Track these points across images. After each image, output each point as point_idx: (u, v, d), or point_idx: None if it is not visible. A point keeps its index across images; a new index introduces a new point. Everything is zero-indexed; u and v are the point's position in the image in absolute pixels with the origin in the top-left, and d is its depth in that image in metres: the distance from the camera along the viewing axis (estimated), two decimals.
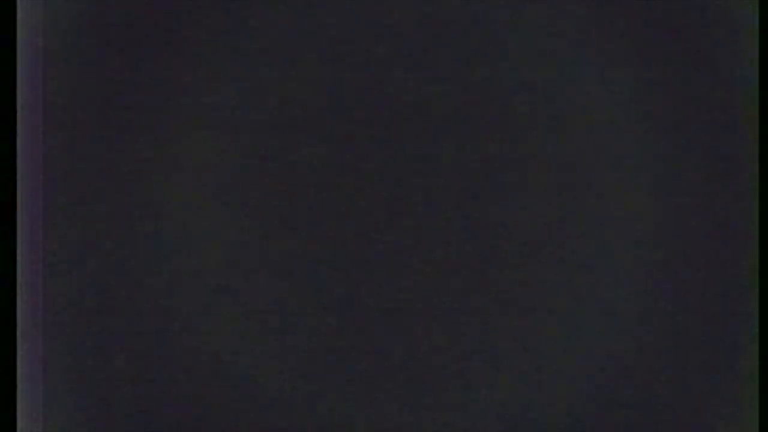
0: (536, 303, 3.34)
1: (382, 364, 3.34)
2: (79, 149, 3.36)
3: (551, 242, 3.35)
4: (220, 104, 3.36)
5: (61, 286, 3.34)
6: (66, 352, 3.34)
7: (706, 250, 3.36)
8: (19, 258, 3.36)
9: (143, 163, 3.36)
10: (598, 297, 3.34)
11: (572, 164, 3.36)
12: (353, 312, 3.34)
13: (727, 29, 3.37)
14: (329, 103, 3.37)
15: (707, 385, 3.34)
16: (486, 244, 3.34)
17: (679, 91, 3.38)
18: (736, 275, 3.35)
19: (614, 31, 3.37)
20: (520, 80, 3.36)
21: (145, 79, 3.36)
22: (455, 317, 3.34)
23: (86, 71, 3.37)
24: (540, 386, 3.34)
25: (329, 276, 3.35)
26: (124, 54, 3.36)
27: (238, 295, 3.34)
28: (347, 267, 3.35)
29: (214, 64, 3.36)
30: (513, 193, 3.35)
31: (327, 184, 3.36)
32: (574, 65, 3.36)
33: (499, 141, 3.35)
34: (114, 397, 3.33)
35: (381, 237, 3.35)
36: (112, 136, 3.36)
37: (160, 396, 3.33)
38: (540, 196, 3.35)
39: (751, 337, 3.34)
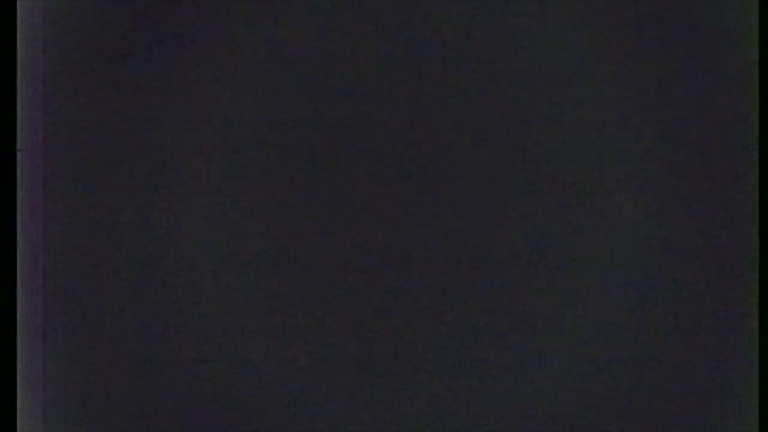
0: (536, 303, 3.34)
1: (382, 364, 3.34)
2: (79, 149, 3.36)
3: (551, 242, 3.35)
4: (220, 104, 3.36)
5: (61, 286, 3.34)
6: (66, 352, 3.34)
7: (706, 250, 3.36)
8: (19, 258, 3.36)
9: (144, 162, 3.36)
10: (598, 297, 3.34)
11: (571, 164, 3.36)
12: (353, 312, 3.34)
13: (727, 29, 3.37)
14: (329, 104, 3.37)
15: (707, 385, 3.34)
16: (486, 245, 3.34)
17: (680, 91, 3.37)
18: (736, 275, 3.35)
19: (614, 31, 3.36)
20: (519, 80, 3.36)
21: (146, 78, 3.36)
22: (456, 317, 3.34)
23: (86, 71, 3.36)
24: (540, 386, 3.34)
25: (331, 276, 3.35)
26: (124, 54, 3.36)
27: (239, 295, 3.34)
28: (348, 267, 3.35)
29: (214, 64, 3.36)
30: (514, 193, 3.35)
31: (327, 185, 3.36)
32: (574, 66, 3.36)
33: (499, 141, 3.35)
34: (114, 397, 3.33)
35: (381, 238, 3.34)
36: (113, 135, 3.36)
37: (161, 396, 3.33)
38: (540, 197, 3.35)
39: (751, 337, 3.34)
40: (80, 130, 3.36)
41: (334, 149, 3.36)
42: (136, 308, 3.34)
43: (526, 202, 3.35)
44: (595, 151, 3.36)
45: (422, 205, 3.35)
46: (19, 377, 3.35)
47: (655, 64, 3.37)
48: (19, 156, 3.23)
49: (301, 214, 3.35)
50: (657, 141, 3.37)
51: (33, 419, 3.34)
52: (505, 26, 3.37)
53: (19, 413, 3.34)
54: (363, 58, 3.36)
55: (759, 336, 3.34)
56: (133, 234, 3.34)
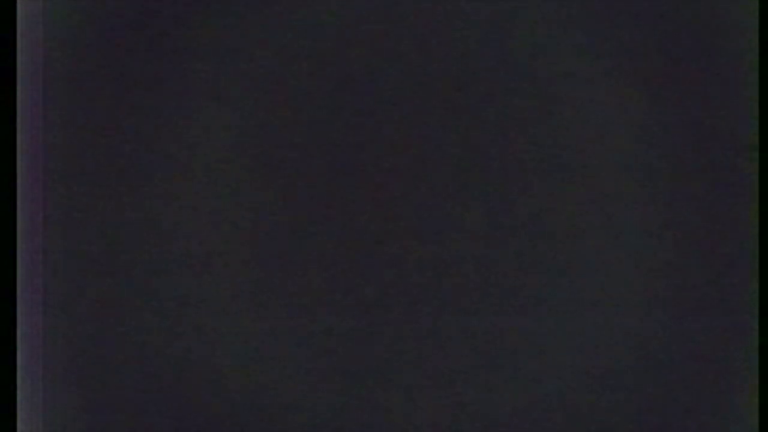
0: (537, 303, 3.34)
1: (382, 365, 3.34)
2: (79, 149, 3.36)
3: (551, 242, 3.35)
4: (221, 104, 3.36)
5: (61, 286, 3.34)
6: (66, 352, 3.34)
7: (706, 250, 3.36)
8: (19, 258, 3.36)
9: (144, 163, 3.36)
10: (599, 297, 3.34)
11: (571, 164, 3.36)
12: (353, 312, 3.34)
13: (727, 29, 3.37)
14: (328, 103, 3.37)
15: (707, 385, 3.34)
16: (486, 245, 3.34)
17: (679, 91, 3.38)
18: (736, 275, 3.35)
19: (614, 31, 3.37)
20: (519, 79, 3.36)
21: (146, 78, 3.37)
22: (456, 317, 3.34)
23: (86, 71, 3.37)
24: (541, 387, 3.34)
25: (331, 277, 3.35)
26: (124, 54, 3.37)
27: (239, 295, 3.34)
28: (348, 267, 3.35)
29: (215, 64, 3.36)
30: (514, 193, 3.35)
31: (327, 185, 3.36)
32: (573, 65, 3.36)
33: (499, 141, 3.35)
34: (114, 397, 3.34)
35: (381, 236, 3.35)
36: (113, 135, 3.36)
37: (160, 396, 3.33)
38: (540, 197, 3.35)
39: (751, 337, 3.34)
40: (80, 130, 3.37)
41: (334, 150, 3.36)
42: (136, 308, 3.34)
43: (527, 201, 3.35)
44: (596, 151, 3.36)
45: (424, 205, 3.35)
46: (19, 377, 3.35)
47: (655, 64, 3.37)
48: (18, 155, 3.23)
49: (303, 214, 3.36)
50: (656, 142, 3.37)
51: (33, 419, 3.34)
52: (507, 25, 3.37)
53: (19, 413, 3.34)
54: (364, 59, 3.36)
55: (759, 336, 3.34)
56: (133, 234, 3.34)
